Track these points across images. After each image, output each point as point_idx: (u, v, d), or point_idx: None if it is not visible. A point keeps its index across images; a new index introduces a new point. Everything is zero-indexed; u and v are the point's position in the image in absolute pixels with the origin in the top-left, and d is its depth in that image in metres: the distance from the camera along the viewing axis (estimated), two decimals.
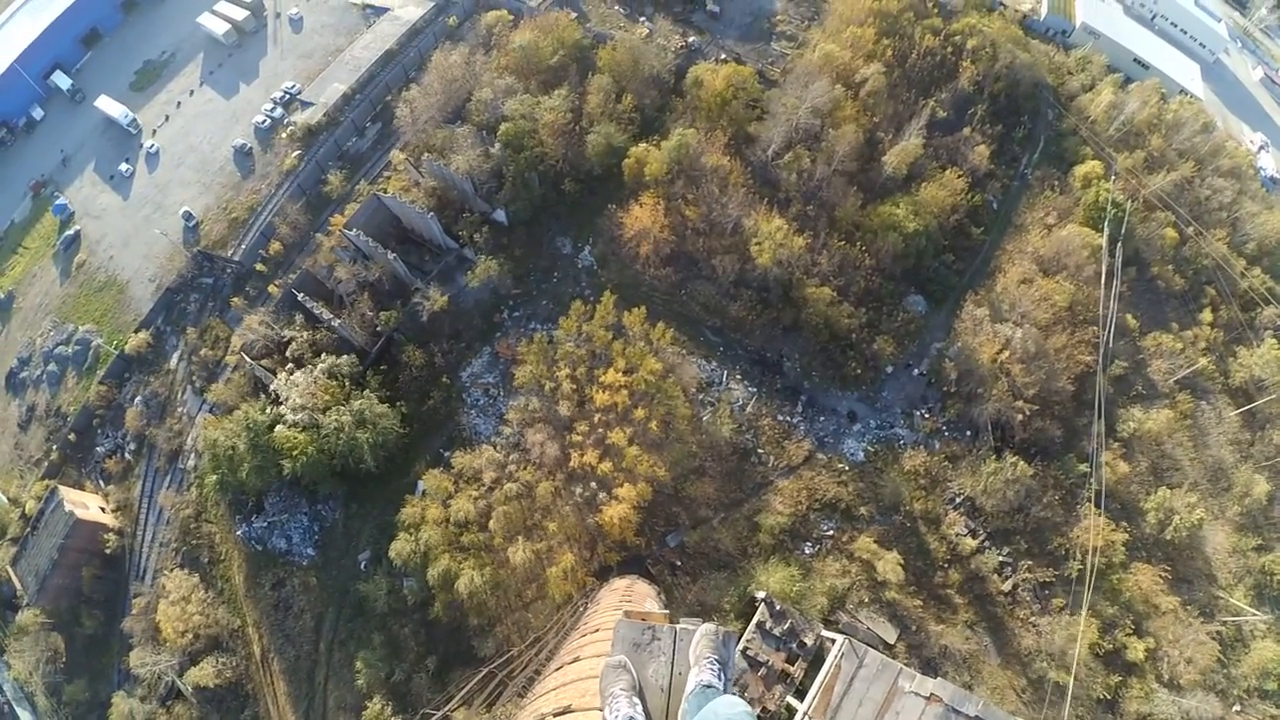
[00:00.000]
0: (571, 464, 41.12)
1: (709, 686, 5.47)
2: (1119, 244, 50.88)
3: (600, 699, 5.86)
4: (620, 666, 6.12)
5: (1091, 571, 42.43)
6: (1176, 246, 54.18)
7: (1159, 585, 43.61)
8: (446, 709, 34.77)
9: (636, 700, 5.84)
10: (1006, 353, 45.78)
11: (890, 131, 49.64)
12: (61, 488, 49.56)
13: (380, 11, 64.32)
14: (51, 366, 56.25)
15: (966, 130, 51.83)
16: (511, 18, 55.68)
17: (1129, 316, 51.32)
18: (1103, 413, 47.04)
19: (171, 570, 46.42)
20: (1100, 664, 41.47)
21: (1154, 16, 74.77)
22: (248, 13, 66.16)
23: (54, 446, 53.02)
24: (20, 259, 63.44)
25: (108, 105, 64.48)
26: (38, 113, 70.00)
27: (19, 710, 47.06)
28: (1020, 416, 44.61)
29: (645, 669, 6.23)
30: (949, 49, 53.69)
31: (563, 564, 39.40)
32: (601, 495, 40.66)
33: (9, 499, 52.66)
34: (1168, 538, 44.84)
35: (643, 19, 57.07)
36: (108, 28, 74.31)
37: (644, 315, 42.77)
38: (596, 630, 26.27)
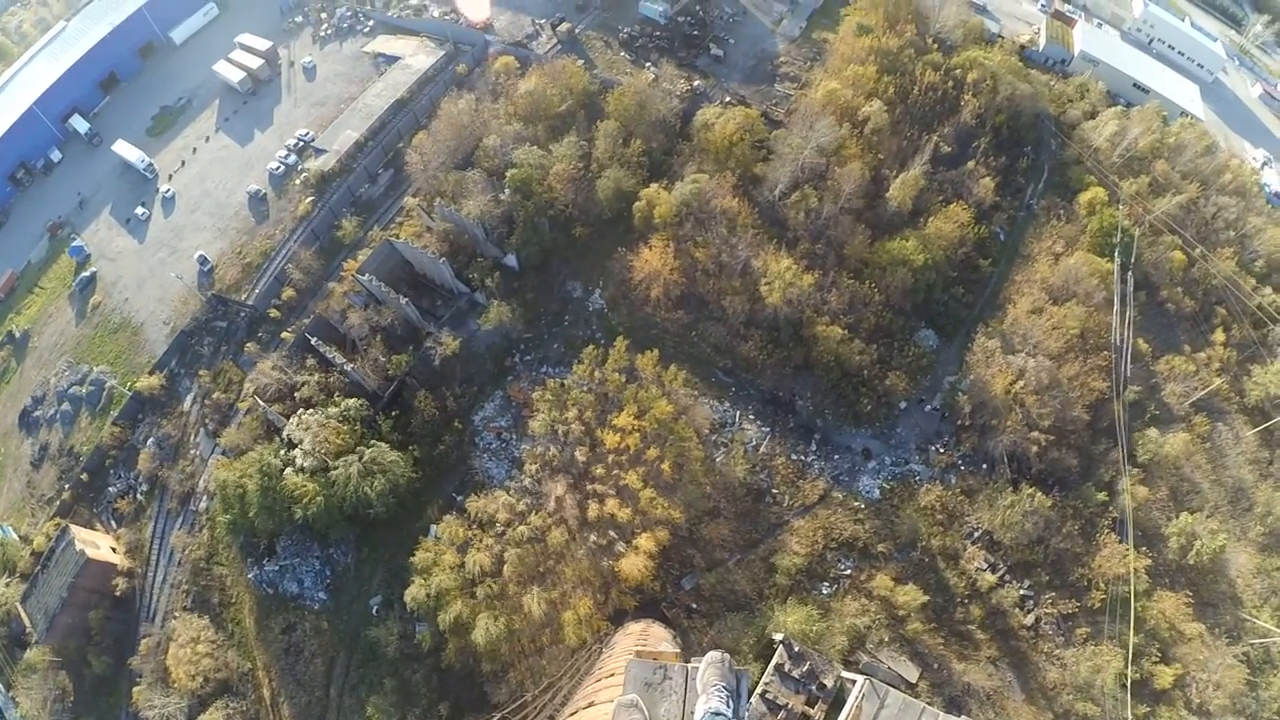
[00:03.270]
0: (590, 514, 40.92)
1: (717, 714, 5.40)
2: (1129, 271, 50.92)
3: None
4: (632, 706, 6.09)
5: (1132, 599, 41.60)
6: (1185, 268, 54.17)
7: (1184, 611, 42.83)
8: None
9: None
10: (1020, 383, 45.60)
11: (895, 168, 50.17)
12: (73, 526, 49.73)
13: (392, 60, 66.05)
14: (65, 406, 56.77)
15: (970, 164, 52.33)
16: (519, 65, 56.94)
17: (1141, 341, 51.12)
18: (1124, 438, 46.65)
19: (181, 613, 46.20)
20: (1127, 694, 40.54)
21: (1151, 40, 75.78)
22: (262, 61, 68.06)
23: (66, 485, 53.26)
24: (36, 299, 64.50)
25: (125, 149, 66.05)
26: (56, 155, 71.81)
27: None
28: (1036, 447, 44.27)
29: (657, 708, 6.20)
30: (950, 83, 54.48)
31: (578, 609, 39.00)
32: (620, 546, 40.33)
33: (19, 536, 52.80)
34: (1190, 562, 44.16)
35: (648, 64, 58.30)
36: (126, 73, 76.48)
37: (656, 358, 42.92)
38: (611, 675, 25.93)
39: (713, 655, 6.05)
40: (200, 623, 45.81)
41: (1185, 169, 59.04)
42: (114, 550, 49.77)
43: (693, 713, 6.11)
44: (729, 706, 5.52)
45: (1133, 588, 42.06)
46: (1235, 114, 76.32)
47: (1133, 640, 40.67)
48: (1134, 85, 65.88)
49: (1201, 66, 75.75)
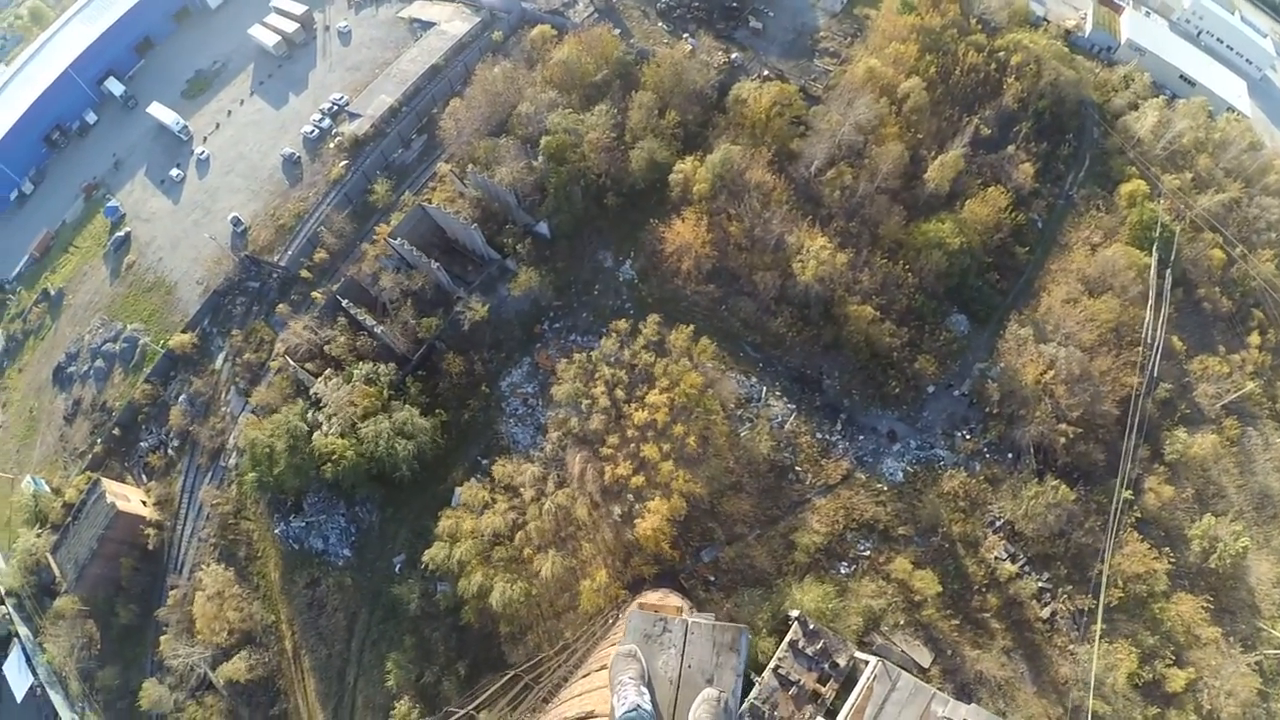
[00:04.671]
0: (605, 478, 41.21)
1: None
2: (1168, 267, 49.87)
3: (609, 687, 5.83)
4: (630, 655, 6.11)
5: (1104, 586, 41.32)
6: (1224, 268, 52.94)
7: (1201, 615, 42.41)
8: (470, 708, 34.80)
9: (645, 689, 5.81)
10: (1050, 374, 44.99)
11: (933, 149, 49.30)
12: (104, 480, 50.96)
13: (427, 26, 65.72)
14: (99, 363, 57.99)
15: (1011, 148, 51.27)
16: (555, 33, 56.56)
17: (1175, 339, 50.12)
18: (1142, 435, 46.00)
19: (209, 565, 47.29)
20: (1139, 695, 40.35)
21: (1200, 33, 73.46)
22: (298, 25, 68.11)
23: (98, 440, 54.50)
24: (71, 258, 65.75)
25: (160, 112, 66.72)
26: (91, 117, 72.75)
27: (51, 693, 48.29)
28: (1063, 439, 43.76)
29: (655, 660, 6.20)
30: (993, 65, 53.24)
31: (597, 578, 39.49)
32: (636, 507, 40.68)
33: (52, 488, 54.23)
34: (1212, 566, 43.61)
35: (686, 35, 57.49)
36: (160, 37, 77.06)
37: (689, 333, 42.85)
38: None
39: (709, 693, 5.94)
40: (226, 575, 46.86)
41: (1229, 166, 57.50)
42: (144, 503, 51.04)
43: (689, 666, 6.12)
44: None
45: (1107, 559, 41.43)
46: None
47: (1098, 647, 40.07)
48: (1180, 77, 64.02)
49: (1250, 62, 73.33)
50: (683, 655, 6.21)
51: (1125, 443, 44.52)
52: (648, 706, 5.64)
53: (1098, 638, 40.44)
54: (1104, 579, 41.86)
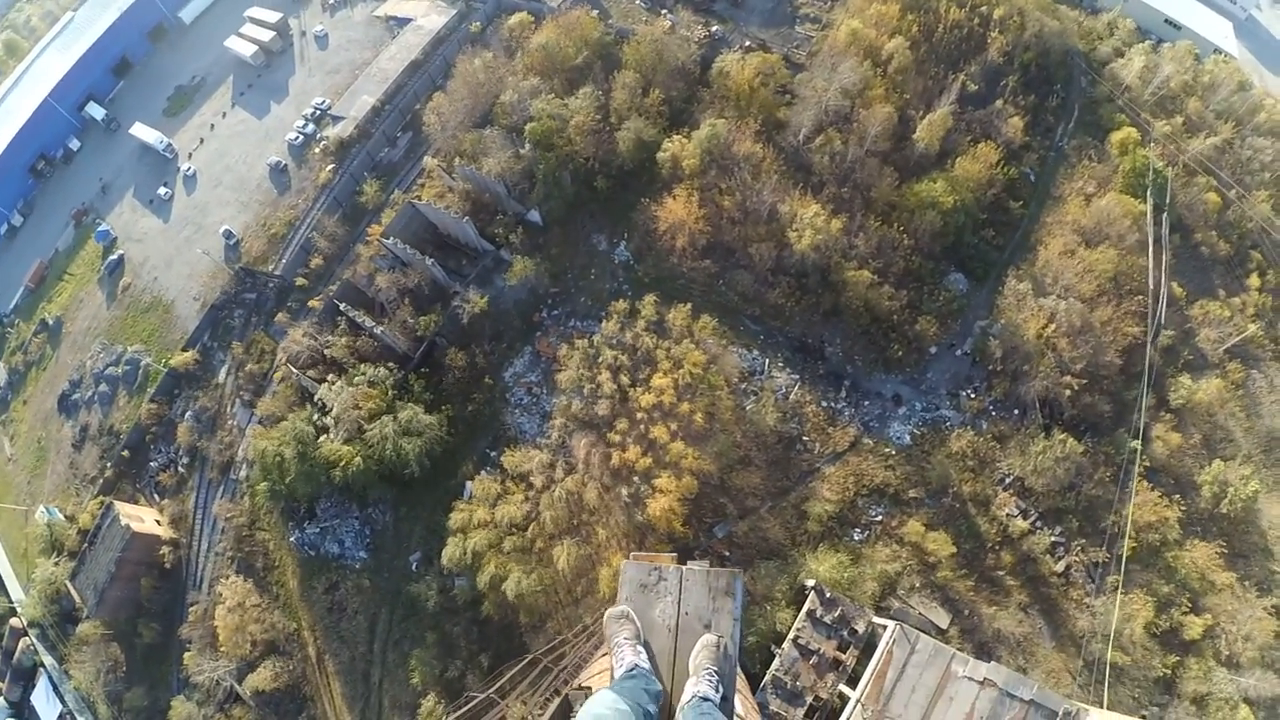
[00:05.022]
0: (613, 462, 41.30)
1: (705, 699, 5.37)
2: (1164, 213, 49.57)
3: (606, 647, 5.85)
4: (624, 617, 6.10)
5: (1123, 535, 41.34)
6: (1219, 211, 52.54)
7: (1215, 562, 42.39)
8: (490, 692, 35.04)
9: (641, 648, 5.84)
10: (1052, 327, 44.83)
11: (921, 109, 48.90)
12: (117, 503, 51.17)
13: (404, 22, 65.24)
14: (103, 387, 58.14)
15: (999, 103, 50.80)
16: (533, 20, 56.13)
17: (1175, 285, 49.84)
18: (1151, 384, 45.87)
19: (228, 578, 47.60)
20: (1157, 643, 40.49)
21: None
22: (274, 33, 67.67)
23: (108, 464, 54.73)
24: (67, 285, 65.75)
25: (143, 132, 66.46)
26: (74, 144, 72.52)
27: (79, 719, 48.67)
28: (1068, 392, 43.63)
29: (652, 609, 6.18)
30: (975, 20, 52.64)
31: (613, 564, 39.63)
32: (645, 490, 40.78)
33: (65, 516, 54.53)
34: (1224, 511, 43.53)
35: (664, 11, 56.98)
36: (137, 57, 76.62)
37: (688, 312, 42.76)
38: None
39: (708, 639, 5.93)
40: (245, 587, 47.21)
41: (1219, 108, 56.91)
42: (158, 523, 51.32)
43: (685, 613, 6.10)
44: (717, 694, 5.47)
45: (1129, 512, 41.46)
46: (1270, 52, 72.99)
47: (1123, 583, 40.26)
48: (1166, 21, 63.27)
49: (1235, 3, 72.42)
50: (679, 603, 6.17)
51: (1141, 388, 44.27)
52: (645, 665, 5.68)
53: (1122, 584, 40.48)
54: (1126, 528, 41.82)
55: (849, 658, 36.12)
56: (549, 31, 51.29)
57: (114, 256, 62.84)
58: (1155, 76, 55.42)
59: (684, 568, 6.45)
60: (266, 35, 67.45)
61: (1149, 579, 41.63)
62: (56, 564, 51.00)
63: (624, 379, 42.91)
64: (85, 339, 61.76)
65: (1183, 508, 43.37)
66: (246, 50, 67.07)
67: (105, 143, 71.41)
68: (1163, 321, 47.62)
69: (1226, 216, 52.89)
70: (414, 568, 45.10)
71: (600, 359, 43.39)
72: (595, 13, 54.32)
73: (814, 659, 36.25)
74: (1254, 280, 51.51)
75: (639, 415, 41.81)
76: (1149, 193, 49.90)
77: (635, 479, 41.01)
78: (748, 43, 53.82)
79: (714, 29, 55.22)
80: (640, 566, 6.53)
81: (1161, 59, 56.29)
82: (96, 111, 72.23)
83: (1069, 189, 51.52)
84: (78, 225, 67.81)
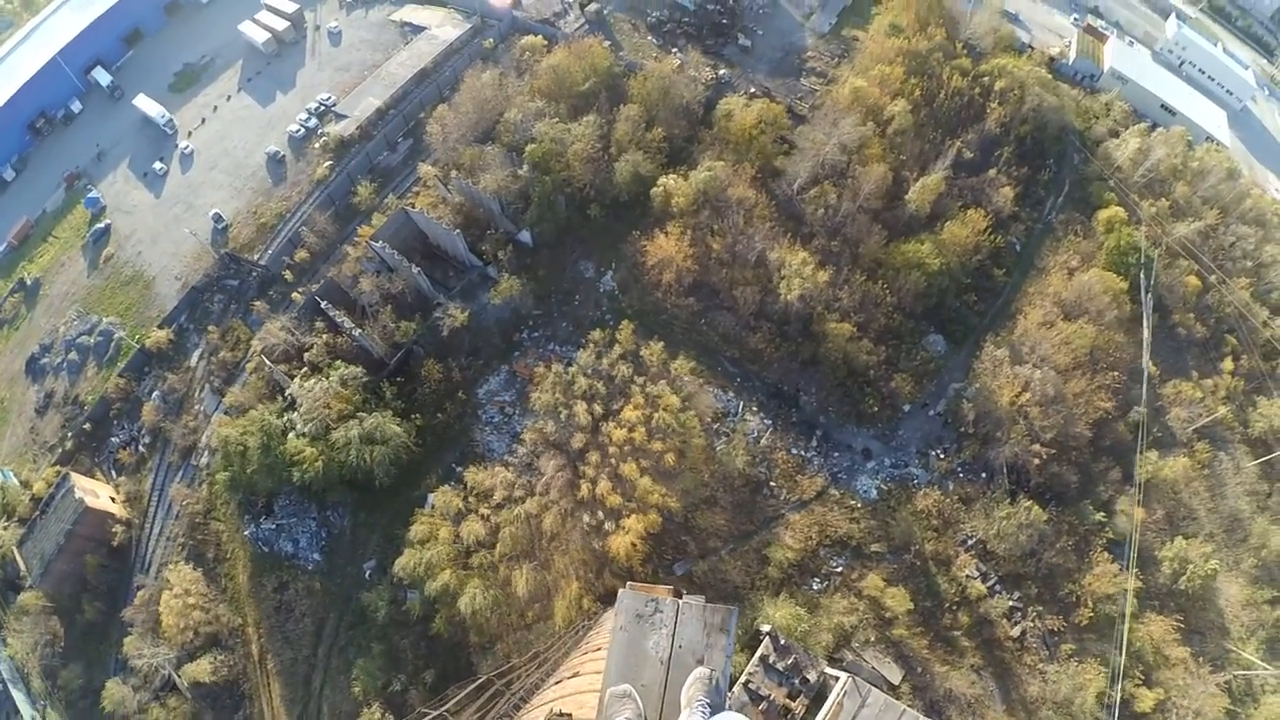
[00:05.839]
0: (581, 493, 41.08)
1: None
2: (1148, 293, 50.68)
3: None
4: (626, 696, 6.01)
5: (1127, 618, 41.55)
6: (1199, 294, 53.87)
7: (1171, 636, 42.88)
8: (443, 709, 34.50)
9: None
10: (1025, 395, 45.44)
11: (916, 170, 49.93)
12: (73, 474, 49.98)
13: (418, 30, 65.71)
14: (73, 355, 57.09)
15: (992, 172, 52.00)
16: (545, 43, 56.72)
17: (1150, 363, 50.95)
18: (1143, 446, 46.44)
19: (177, 564, 46.47)
20: (1107, 714, 40.69)
21: (1182, 63, 74.95)
22: (288, 23, 67.79)
23: (69, 434, 53.53)
24: (50, 247, 64.71)
25: (146, 104, 65.99)
26: (76, 106, 71.79)
27: (13, 690, 47.06)
28: (1037, 460, 44.17)
29: (647, 640, 6.18)
30: (977, 90, 54.06)
31: (568, 594, 39.27)
32: (609, 525, 40.54)
33: (20, 481, 53.14)
34: (1182, 587, 44.11)
35: (674, 50, 57.94)
36: (150, 28, 76.33)
37: (662, 349, 42.87)
38: (599, 649, 26.15)
39: (701, 671, 5.99)
40: (194, 575, 46.07)
41: (1206, 194, 58.62)
42: (113, 500, 50.10)
43: (679, 646, 6.11)
44: None
45: (1128, 608, 42.02)
46: (1261, 144, 75.45)
47: (1122, 660, 40.66)
48: (1161, 106, 65.25)
49: (1231, 93, 74.90)
50: (674, 636, 6.17)
51: (1136, 454, 43.93)
52: None
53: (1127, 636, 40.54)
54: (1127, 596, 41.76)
55: (799, 706, 35.74)
56: (560, 56, 51.89)
57: (101, 225, 62.02)
58: (1147, 159, 56.96)
59: (681, 601, 6.39)
60: (281, 24, 67.55)
61: (1104, 649, 41.90)
62: (5, 529, 49.60)
63: (598, 408, 42.83)
64: (61, 304, 60.69)
65: (1141, 581, 43.78)
66: (259, 36, 67.03)
67: (107, 109, 70.76)
68: (1130, 399, 48.47)
69: (1205, 300, 54.20)
70: (367, 576, 44.35)
71: (575, 386, 43.34)
72: (607, 43, 55.11)
73: (763, 705, 35.86)
74: (1228, 364, 52.68)
75: (611, 450, 41.69)
76: (1140, 272, 51.01)
77: (600, 513, 40.75)
78: (753, 89, 54.79)
79: (721, 72, 56.21)
80: (637, 597, 6.49)
81: (1154, 142, 57.92)
82: (103, 77, 71.68)
83: (1053, 261, 52.61)
84: (69, 188, 66.91)
